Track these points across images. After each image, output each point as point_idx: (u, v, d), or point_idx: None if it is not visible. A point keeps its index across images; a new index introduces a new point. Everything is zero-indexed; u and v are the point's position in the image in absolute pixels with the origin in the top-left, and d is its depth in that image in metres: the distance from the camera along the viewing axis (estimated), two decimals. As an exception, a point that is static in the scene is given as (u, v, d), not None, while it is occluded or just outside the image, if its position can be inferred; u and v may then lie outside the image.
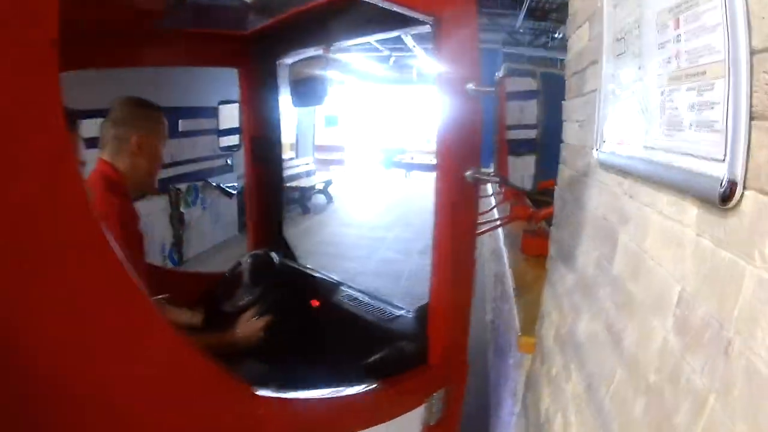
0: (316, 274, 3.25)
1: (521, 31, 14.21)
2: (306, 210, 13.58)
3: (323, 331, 2.97)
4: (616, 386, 1.43)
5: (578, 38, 2.38)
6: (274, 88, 3.36)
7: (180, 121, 8.38)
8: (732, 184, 0.93)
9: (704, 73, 1.05)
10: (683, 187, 1.15)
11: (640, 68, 1.45)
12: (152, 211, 7.83)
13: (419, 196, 15.66)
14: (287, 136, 16.25)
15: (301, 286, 3.13)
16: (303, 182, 14.32)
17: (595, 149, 1.88)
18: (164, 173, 8.53)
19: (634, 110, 1.49)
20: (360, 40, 2.63)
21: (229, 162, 10.03)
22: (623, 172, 1.59)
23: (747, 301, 0.87)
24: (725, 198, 0.95)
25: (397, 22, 2.19)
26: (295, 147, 16.61)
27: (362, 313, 2.83)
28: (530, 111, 8.16)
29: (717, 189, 0.96)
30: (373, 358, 2.41)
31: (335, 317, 2.93)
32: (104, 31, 2.68)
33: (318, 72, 3.02)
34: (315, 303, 3.05)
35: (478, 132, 2.16)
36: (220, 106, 8.20)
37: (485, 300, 6.32)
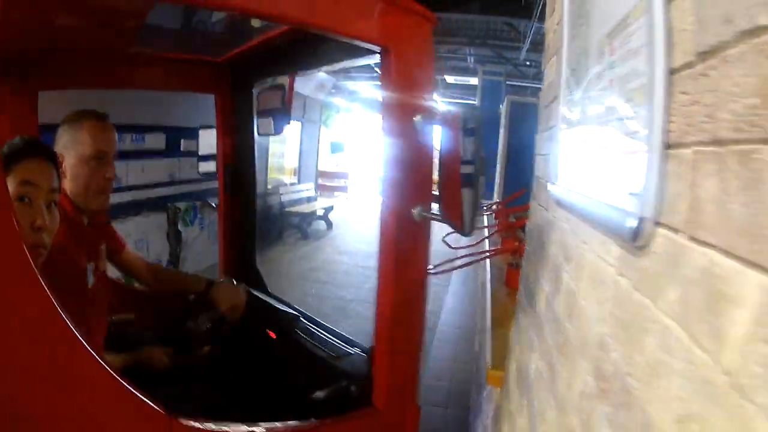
0: (280, 307, 3.19)
1: (527, 63, 14.30)
2: (305, 235, 13.69)
3: (272, 362, 2.93)
4: (549, 426, 1.43)
5: (548, 72, 2.35)
6: (249, 115, 3.35)
7: (182, 140, 8.48)
8: (642, 221, 0.87)
9: (631, 100, 0.99)
10: (608, 224, 1.09)
11: (582, 100, 1.43)
12: (149, 228, 7.87)
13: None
14: (289, 161, 16.34)
15: (261, 316, 3.09)
16: (303, 208, 14.46)
17: (550, 184, 1.84)
18: (163, 191, 8.85)
19: (576, 143, 1.48)
20: (326, 68, 2.63)
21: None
22: (569, 208, 1.54)
23: (651, 349, 0.81)
24: (636, 236, 0.89)
25: (358, 50, 2.14)
26: (298, 172, 16.69)
27: (314, 348, 2.80)
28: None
29: (631, 226, 0.90)
30: (314, 395, 2.40)
31: (287, 349, 2.92)
32: (82, 52, 2.68)
33: (277, 103, 3.09)
34: (271, 334, 3.02)
35: (428, 167, 2.11)
36: (201, 131, 7.87)
37: (476, 332, 6.24)
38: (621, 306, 0.98)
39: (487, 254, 4.87)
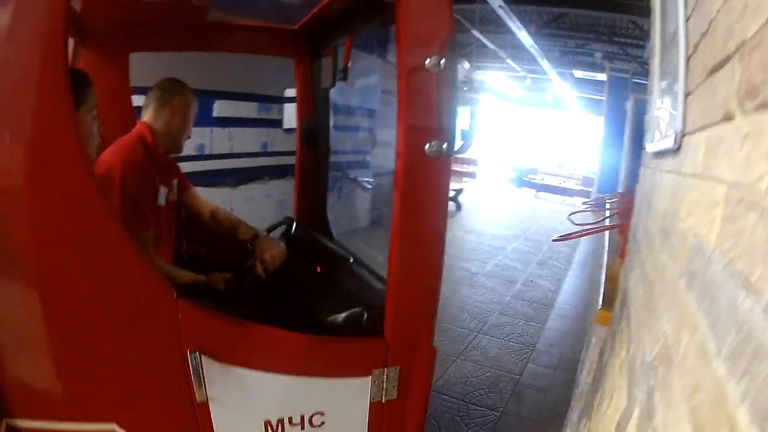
0: (333, 247, 3.46)
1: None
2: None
3: (310, 290, 3.08)
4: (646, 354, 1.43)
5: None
6: (322, 77, 3.59)
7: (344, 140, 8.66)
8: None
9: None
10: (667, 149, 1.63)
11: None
12: (287, 190, 8.29)
13: (545, 216, 15.88)
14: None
15: (316, 255, 3.35)
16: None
17: (648, 143, 2.26)
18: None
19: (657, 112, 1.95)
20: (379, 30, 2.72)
21: (366, 159, 10.36)
22: (655, 155, 2.01)
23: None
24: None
25: None
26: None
27: (347, 282, 3.02)
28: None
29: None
30: (331, 317, 2.60)
31: (325, 281, 3.14)
32: (169, 20, 3.05)
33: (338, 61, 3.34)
34: (318, 269, 3.28)
35: (444, 103, 2.05)
36: (285, 105, 8.24)
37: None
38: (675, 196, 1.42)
39: (602, 227, 5.21)
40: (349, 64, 3.30)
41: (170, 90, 2.84)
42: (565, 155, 25.93)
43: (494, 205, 18.07)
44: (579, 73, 17.37)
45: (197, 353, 2.02)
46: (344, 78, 3.30)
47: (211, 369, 2.09)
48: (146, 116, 2.82)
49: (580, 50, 14.84)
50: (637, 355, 1.39)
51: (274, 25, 3.50)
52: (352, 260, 3.18)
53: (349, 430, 2.48)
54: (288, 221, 3.32)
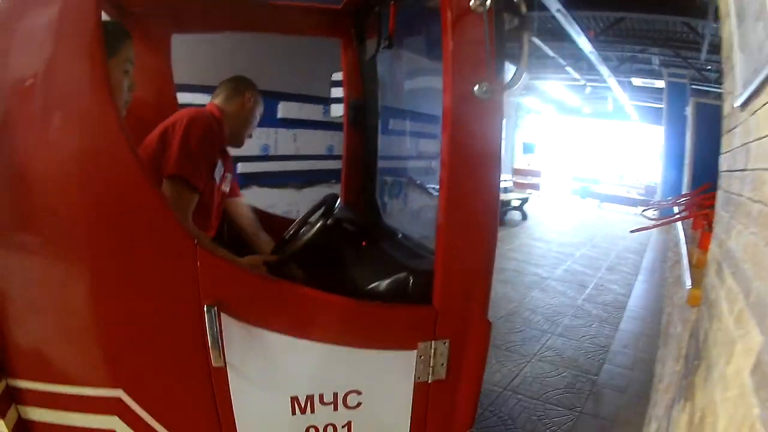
0: (384, 225, 3.37)
1: (708, 68, 13.80)
2: (502, 222, 13.76)
3: (350, 265, 2.81)
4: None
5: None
6: (372, 58, 3.45)
7: (390, 119, 8.54)
8: None
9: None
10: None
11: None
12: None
13: (609, 225, 15.79)
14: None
15: (358, 229, 3.12)
16: (501, 197, 14.56)
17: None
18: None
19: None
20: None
21: (432, 165, 10.21)
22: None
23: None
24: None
25: None
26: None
27: (397, 252, 2.77)
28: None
29: None
30: (374, 285, 2.37)
31: (373, 254, 2.88)
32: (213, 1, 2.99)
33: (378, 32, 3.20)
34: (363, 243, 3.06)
35: (492, 42, 1.87)
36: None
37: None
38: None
39: (680, 217, 5.26)
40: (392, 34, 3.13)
41: (243, 84, 2.88)
42: (627, 166, 25.70)
43: (559, 215, 17.99)
44: (638, 81, 17.23)
45: (215, 308, 1.85)
46: (389, 46, 3.15)
47: (231, 329, 1.91)
48: (216, 100, 2.84)
49: (637, 56, 14.67)
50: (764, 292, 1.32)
51: (319, 5, 3.37)
52: (400, 236, 3.05)
53: (388, 416, 2.23)
54: (331, 198, 3.05)
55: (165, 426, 1.98)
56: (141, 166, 1.77)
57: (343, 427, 2.17)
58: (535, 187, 21.71)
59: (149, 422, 1.96)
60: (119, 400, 1.91)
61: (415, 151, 10.05)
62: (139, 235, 1.81)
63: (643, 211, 6.05)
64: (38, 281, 1.80)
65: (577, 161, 26.38)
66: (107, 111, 1.69)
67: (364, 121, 3.66)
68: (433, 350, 2.10)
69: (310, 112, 7.49)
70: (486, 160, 1.99)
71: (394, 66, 8.60)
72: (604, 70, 13.73)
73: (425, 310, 2.08)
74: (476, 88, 1.84)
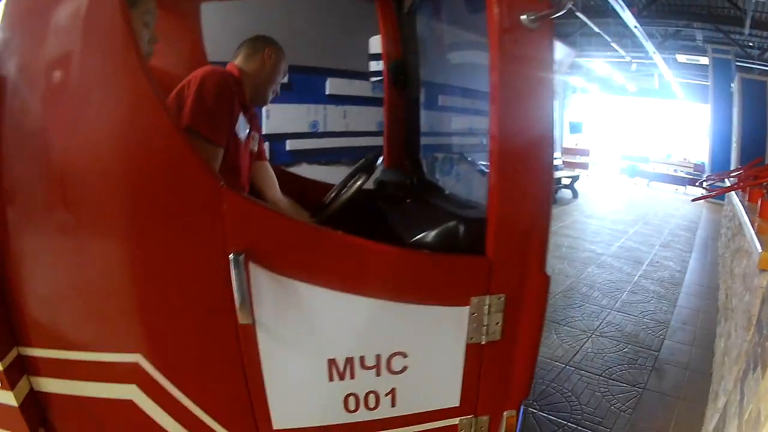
0: (429, 181, 3.23)
1: (750, 44, 13.52)
2: (553, 201, 13.52)
3: (399, 219, 2.63)
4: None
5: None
6: (410, 17, 3.39)
7: (439, 96, 8.39)
8: None
9: None
10: None
11: None
12: None
13: (660, 203, 15.57)
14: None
15: (401, 185, 3.06)
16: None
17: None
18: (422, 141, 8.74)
19: None
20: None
21: (484, 142, 9.96)
22: None
23: None
24: None
25: None
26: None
27: (444, 203, 2.59)
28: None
29: None
30: (421, 235, 2.17)
31: (418, 209, 2.75)
32: None
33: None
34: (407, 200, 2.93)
35: None
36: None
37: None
38: None
39: (736, 187, 5.46)
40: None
41: (263, 41, 2.79)
42: (674, 144, 25.22)
43: (609, 193, 17.79)
44: (682, 58, 16.92)
45: (242, 256, 1.68)
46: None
47: (261, 281, 1.74)
48: (236, 61, 2.76)
49: (681, 32, 14.42)
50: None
51: None
52: (447, 192, 2.89)
53: (436, 383, 2.05)
54: (372, 156, 2.89)
55: (187, 394, 1.87)
56: (161, 104, 1.67)
57: (386, 395, 2.01)
58: (583, 166, 21.43)
59: (170, 390, 1.85)
60: (137, 366, 1.81)
61: (460, 105, 9.90)
62: (158, 177, 1.68)
63: (700, 182, 6.10)
64: (50, 237, 1.72)
65: (625, 140, 25.95)
66: (128, 51, 1.61)
67: (404, 80, 3.54)
68: (487, 306, 1.93)
69: (359, 88, 7.41)
70: (538, 94, 1.83)
71: (432, 20, 8.51)
72: (649, 46, 13.44)
73: (478, 261, 1.90)
74: (524, 17, 1.71)
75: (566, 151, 21.06)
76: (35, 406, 1.89)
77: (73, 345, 1.82)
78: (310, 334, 1.88)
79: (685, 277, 7.65)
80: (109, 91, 1.64)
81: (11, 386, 1.79)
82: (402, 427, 2.07)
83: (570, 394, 4.18)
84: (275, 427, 1.96)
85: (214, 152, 2.32)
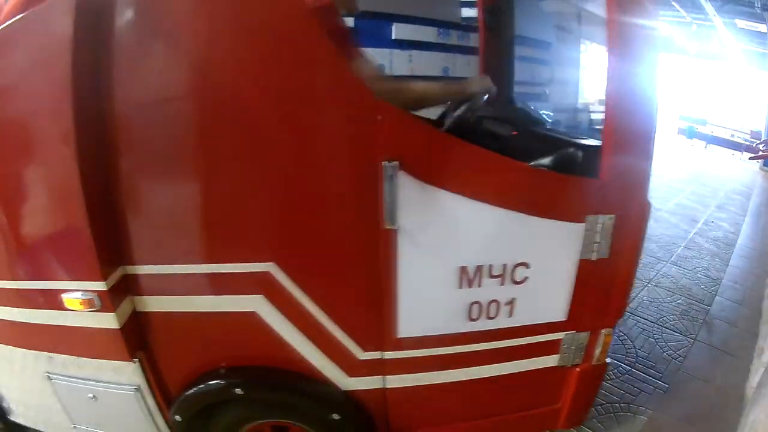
0: (530, 114, 3.15)
1: None
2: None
3: (511, 147, 2.42)
4: None
5: None
6: None
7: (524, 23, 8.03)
8: None
9: None
10: None
11: None
12: None
13: (717, 166, 15.08)
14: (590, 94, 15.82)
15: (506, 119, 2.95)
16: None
17: None
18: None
19: None
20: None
21: (546, 92, 9.74)
22: None
23: None
24: None
25: None
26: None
27: (559, 136, 2.62)
28: None
29: None
30: (538, 161, 2.23)
31: (530, 138, 2.73)
32: None
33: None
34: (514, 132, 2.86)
35: None
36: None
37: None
38: None
39: None
40: None
41: None
42: (732, 109, 24.29)
43: (666, 154, 17.19)
44: (742, 23, 16.07)
45: (396, 163, 1.68)
46: None
47: (408, 188, 1.74)
48: None
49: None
50: None
51: None
52: (548, 125, 2.89)
53: (550, 295, 2.10)
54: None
55: (316, 301, 1.90)
56: (307, 10, 1.67)
57: (506, 304, 2.05)
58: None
59: (298, 298, 1.88)
60: (268, 275, 1.82)
61: (553, 55, 9.62)
62: (306, 84, 1.66)
63: (759, 143, 5.88)
64: (192, 150, 1.72)
65: (684, 101, 25.08)
66: None
67: (499, 24, 3.48)
68: (600, 224, 1.97)
69: (425, 34, 7.24)
70: (644, 50, 1.89)
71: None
72: (709, 7, 12.85)
73: (594, 182, 1.95)
74: None
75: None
76: (136, 328, 1.92)
77: (193, 258, 1.82)
78: (447, 241, 1.90)
79: (738, 239, 7.46)
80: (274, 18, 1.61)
81: (114, 307, 1.81)
82: (512, 338, 2.13)
83: (625, 337, 4.19)
84: (399, 335, 2.00)
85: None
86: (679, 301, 5.00)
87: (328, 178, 1.76)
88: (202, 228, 1.80)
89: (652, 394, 3.49)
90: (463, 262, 1.93)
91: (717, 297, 5.23)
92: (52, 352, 2.01)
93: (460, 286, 1.96)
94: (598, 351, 2.23)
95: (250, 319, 1.90)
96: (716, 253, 6.62)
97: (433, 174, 1.76)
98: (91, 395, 2.08)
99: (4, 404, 2.42)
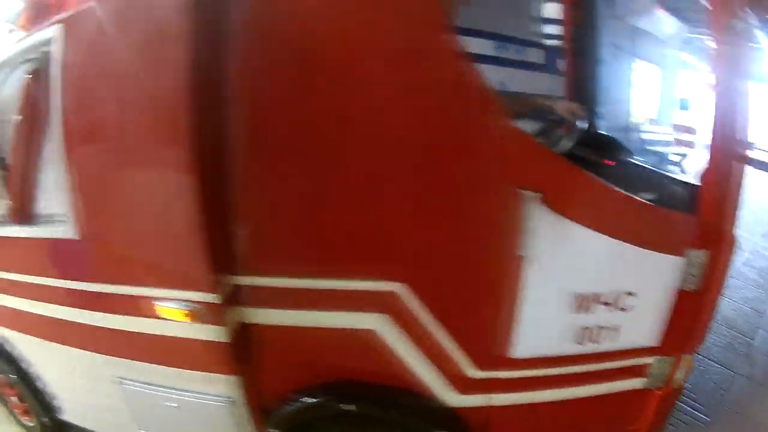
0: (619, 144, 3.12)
1: None
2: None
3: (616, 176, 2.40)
4: None
5: None
6: None
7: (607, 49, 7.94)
8: None
9: None
10: None
11: None
12: None
13: (764, 191, 14.63)
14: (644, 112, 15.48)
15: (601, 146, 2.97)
16: (659, 149, 13.86)
17: None
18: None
19: None
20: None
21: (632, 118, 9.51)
22: None
23: None
24: None
25: None
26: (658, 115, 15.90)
27: (654, 168, 2.71)
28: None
29: None
30: (650, 192, 2.21)
31: (632, 169, 2.81)
32: None
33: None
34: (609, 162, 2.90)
35: None
36: None
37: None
38: None
39: None
40: None
41: None
42: None
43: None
44: None
45: (539, 195, 1.77)
46: None
47: (542, 219, 1.82)
48: None
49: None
50: None
51: None
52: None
53: (647, 324, 2.16)
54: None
55: (443, 322, 1.95)
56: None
57: (611, 329, 2.12)
58: (689, 144, 20.50)
59: (423, 319, 1.92)
60: (392, 295, 1.86)
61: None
62: (445, 105, 1.73)
63: None
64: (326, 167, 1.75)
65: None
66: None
67: (585, 50, 3.54)
68: (697, 258, 2.02)
69: (480, 47, 7.06)
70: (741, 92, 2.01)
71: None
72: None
73: (693, 219, 2.02)
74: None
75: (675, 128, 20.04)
76: (243, 341, 1.95)
77: (313, 273, 1.85)
78: (570, 269, 1.98)
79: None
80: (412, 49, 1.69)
81: (224, 320, 1.84)
82: (608, 361, 2.18)
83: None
84: (513, 356, 2.06)
85: None
86: (724, 332, 4.92)
87: (467, 204, 1.84)
88: (332, 242, 1.85)
89: (694, 426, 3.47)
90: (580, 289, 2.02)
91: (760, 330, 5.13)
92: (134, 359, 2.05)
93: (575, 311, 2.04)
94: (679, 375, 2.27)
95: (367, 336, 1.95)
96: (761, 284, 6.46)
97: (568, 208, 1.85)
98: (174, 404, 2.10)
99: (56, 402, 2.45)
